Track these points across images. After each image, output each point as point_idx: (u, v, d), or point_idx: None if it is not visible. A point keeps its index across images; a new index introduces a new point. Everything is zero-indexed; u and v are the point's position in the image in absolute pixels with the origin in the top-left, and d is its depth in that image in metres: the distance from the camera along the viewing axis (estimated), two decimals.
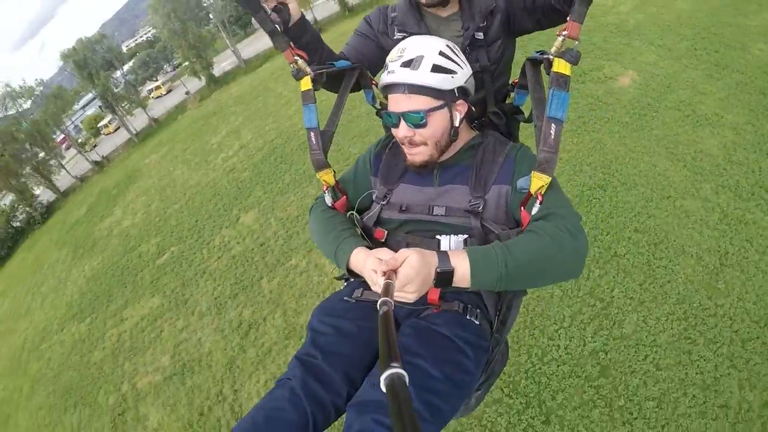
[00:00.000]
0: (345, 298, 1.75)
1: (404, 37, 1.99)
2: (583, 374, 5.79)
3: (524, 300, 4.95)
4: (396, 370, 0.70)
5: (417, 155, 1.66)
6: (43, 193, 31.85)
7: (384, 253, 1.43)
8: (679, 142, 8.64)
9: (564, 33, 1.49)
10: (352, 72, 1.99)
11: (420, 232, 1.70)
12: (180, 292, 12.08)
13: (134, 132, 31.46)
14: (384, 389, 0.69)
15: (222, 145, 19.66)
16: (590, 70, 11.69)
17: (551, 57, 1.51)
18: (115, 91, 32.14)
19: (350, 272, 1.66)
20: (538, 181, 1.45)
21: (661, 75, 10.84)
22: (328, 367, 1.46)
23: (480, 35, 2.05)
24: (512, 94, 2.15)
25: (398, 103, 1.59)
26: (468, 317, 1.63)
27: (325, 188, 1.81)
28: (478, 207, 1.60)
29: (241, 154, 17.46)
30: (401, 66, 1.56)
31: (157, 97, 35.36)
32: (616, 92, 10.69)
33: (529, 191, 1.49)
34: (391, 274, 1.22)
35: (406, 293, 1.30)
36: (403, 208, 1.71)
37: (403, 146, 1.69)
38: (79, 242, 20.75)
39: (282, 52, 1.73)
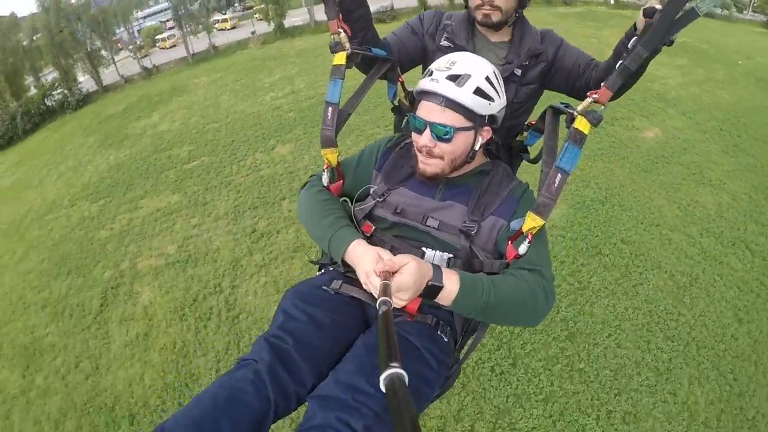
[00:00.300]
0: (323, 287, 1.71)
1: (449, 46, 2.08)
2: (552, 335, 6.69)
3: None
4: (396, 370, 0.70)
5: (430, 166, 1.65)
6: (85, 82, 32.35)
7: (385, 252, 1.43)
8: (679, 190, 9.94)
9: (594, 96, 1.55)
10: (385, 63, 1.98)
11: (407, 239, 1.71)
12: (201, 195, 12.52)
13: (191, 52, 31.95)
14: (384, 389, 0.69)
15: (273, 85, 20.13)
16: (621, 118, 13.03)
17: (575, 113, 1.55)
18: (189, 7, 32.82)
19: (342, 263, 1.66)
20: (531, 222, 1.48)
21: (682, 138, 12.30)
22: (298, 356, 1.44)
23: (518, 72, 2.12)
24: (525, 134, 2.20)
25: (431, 112, 1.58)
26: (439, 332, 1.66)
27: (325, 167, 1.78)
28: (472, 230, 1.62)
29: (290, 97, 17.93)
30: (447, 78, 1.55)
31: (221, 30, 35.92)
32: (638, 140, 12.06)
33: (521, 229, 1.51)
34: (388, 275, 1.23)
35: (399, 299, 1.30)
36: (398, 211, 1.70)
37: (419, 153, 1.67)
38: (109, 134, 21.21)
39: (328, 21, 1.73)
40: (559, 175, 1.47)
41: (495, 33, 2.12)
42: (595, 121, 1.51)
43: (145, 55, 34.02)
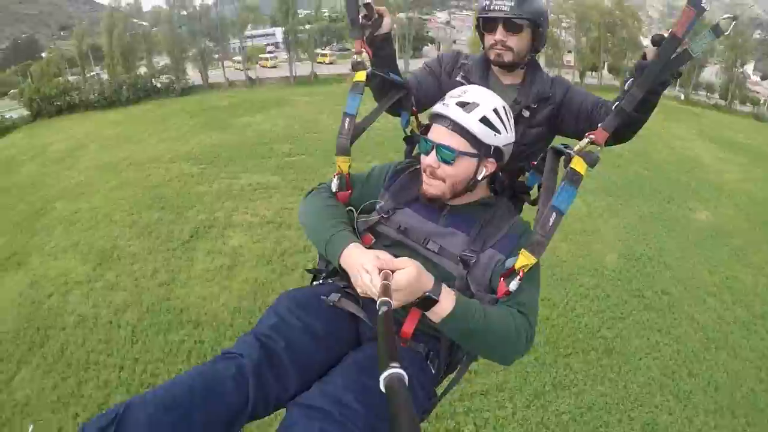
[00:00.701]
0: (322, 297, 1.69)
1: (463, 83, 2.13)
2: (592, 345, 8.35)
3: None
4: (396, 370, 0.70)
5: (431, 187, 1.67)
6: (191, 76, 36.14)
7: (384, 254, 1.41)
8: (721, 264, 11.63)
9: (591, 137, 1.55)
10: (400, 90, 2.05)
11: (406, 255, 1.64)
12: (299, 181, 14.43)
13: (294, 74, 35.79)
14: (384, 389, 0.69)
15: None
16: (677, 198, 15.54)
17: (572, 153, 1.56)
18: (299, 36, 37.11)
19: (337, 269, 1.69)
20: (524, 259, 1.48)
21: (731, 225, 14.20)
22: (287, 360, 1.41)
23: (526, 114, 2.14)
24: (527, 174, 2.19)
25: (439, 134, 1.62)
26: (428, 362, 1.67)
27: (336, 174, 1.79)
28: (471, 260, 1.62)
29: (383, 124, 20.05)
30: (456, 104, 1.60)
31: (319, 62, 39.66)
32: (690, 219, 14.26)
33: (513, 266, 1.51)
34: (388, 274, 1.22)
35: (396, 301, 1.25)
36: (401, 230, 1.71)
37: (423, 173, 1.70)
38: (212, 120, 23.79)
39: (354, 40, 1.84)
40: (554, 214, 1.48)
41: (508, 75, 2.19)
42: (591, 162, 1.52)
43: (248, 68, 37.72)
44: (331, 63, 40.58)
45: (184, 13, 36.42)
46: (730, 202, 16.13)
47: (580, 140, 1.91)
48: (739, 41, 41.54)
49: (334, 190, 1.81)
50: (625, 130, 1.85)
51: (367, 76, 1.82)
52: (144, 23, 39.60)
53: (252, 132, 20.66)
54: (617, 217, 13.60)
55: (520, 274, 1.50)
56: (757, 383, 8.06)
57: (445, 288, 1.38)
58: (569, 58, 46.50)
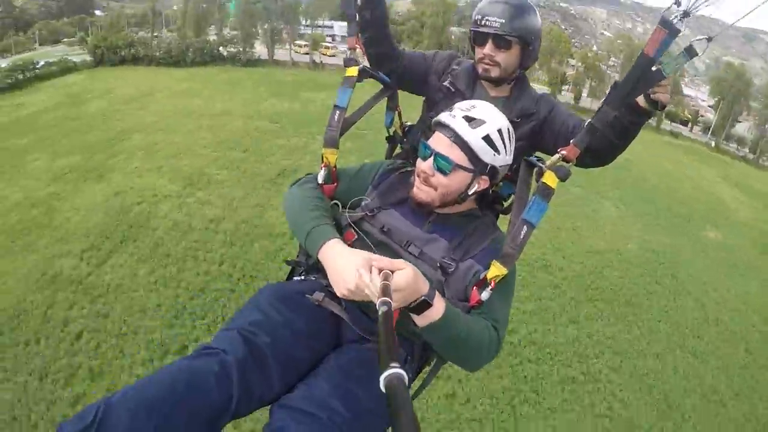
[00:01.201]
0: (306, 294, 1.66)
1: (449, 89, 2.16)
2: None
3: None
4: (396, 370, 0.69)
5: (422, 192, 1.64)
6: (258, 50, 37.10)
7: (375, 256, 1.37)
8: (720, 265, 14.25)
9: (563, 152, 1.56)
10: (387, 89, 2.11)
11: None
12: (369, 149, 14.76)
13: None
14: (384, 389, 0.68)
15: None
16: (695, 219, 18.27)
17: (544, 168, 1.58)
18: None
19: (314, 265, 1.74)
20: (495, 270, 1.49)
21: (740, 245, 17.00)
22: (272, 357, 1.36)
23: None
24: (500, 183, 2.19)
25: (439, 143, 1.59)
26: (406, 367, 1.66)
27: (323, 165, 1.76)
28: (450, 267, 1.60)
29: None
30: (463, 117, 1.59)
31: (323, 54, 41.45)
32: (702, 238, 16.47)
33: (485, 276, 1.51)
34: (388, 275, 1.18)
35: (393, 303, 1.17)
36: (385, 230, 1.68)
37: (417, 177, 1.67)
38: (280, 91, 24.53)
39: (348, 37, 1.87)
40: (525, 227, 1.50)
41: (495, 88, 2.16)
42: (563, 176, 1.53)
43: (313, 52, 38.71)
44: (333, 56, 41.44)
45: None
46: (739, 231, 19.28)
47: None
48: None
49: (320, 182, 1.75)
50: (604, 153, 1.89)
51: (359, 72, 1.83)
52: None
53: (317, 106, 21.37)
54: (641, 223, 16.19)
55: (492, 284, 1.49)
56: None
57: (437, 294, 1.35)
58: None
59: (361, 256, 1.34)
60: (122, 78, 28.28)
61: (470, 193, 1.64)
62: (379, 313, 0.96)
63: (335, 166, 1.80)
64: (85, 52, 35.40)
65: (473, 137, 1.55)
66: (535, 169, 1.63)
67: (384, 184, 1.80)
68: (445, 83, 2.18)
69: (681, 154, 33.72)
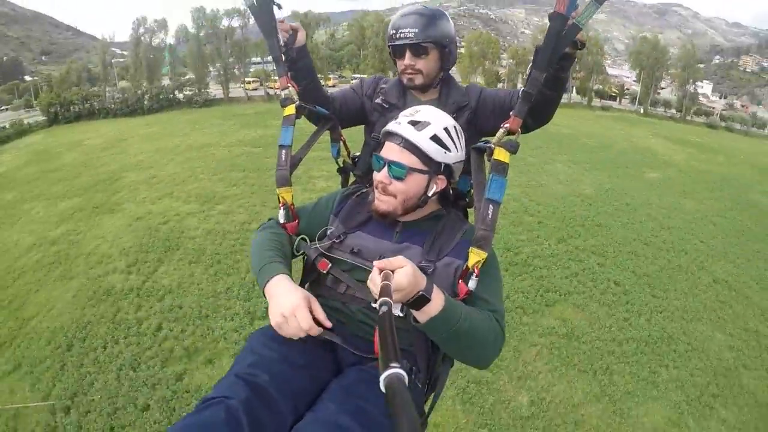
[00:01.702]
0: None
1: (384, 105, 2.23)
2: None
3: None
4: (396, 370, 0.69)
5: (383, 203, 1.65)
6: (212, 90, 37.96)
7: (315, 302, 1.46)
8: (662, 192, 18.57)
9: (506, 126, 1.60)
10: (327, 121, 2.09)
11: (362, 278, 1.63)
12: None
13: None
14: (384, 389, 0.68)
15: None
16: (633, 166, 23.20)
17: (492, 146, 1.62)
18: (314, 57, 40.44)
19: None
20: (475, 257, 1.51)
21: (677, 179, 21.51)
22: (276, 393, 1.34)
23: None
24: (457, 179, 2.13)
25: (390, 151, 1.61)
26: (414, 379, 1.64)
27: (281, 204, 1.79)
28: (428, 269, 1.60)
29: None
30: (408, 122, 1.62)
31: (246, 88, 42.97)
32: (643, 178, 20.92)
33: (467, 265, 1.54)
34: (388, 275, 1.21)
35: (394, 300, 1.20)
36: (355, 251, 1.68)
37: (375, 189, 1.68)
38: (247, 122, 25.43)
39: (279, 78, 1.89)
40: (490, 206, 1.52)
41: (423, 94, 2.25)
42: (512, 148, 1.58)
43: (268, 86, 40.07)
44: (333, 86, 43.58)
45: (211, 32, 38.57)
46: (674, 171, 23.51)
47: None
48: (690, 62, 48.54)
49: (281, 221, 1.81)
50: (541, 110, 1.93)
51: (296, 109, 1.86)
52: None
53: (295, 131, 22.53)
54: (590, 173, 20.02)
55: (476, 271, 1.52)
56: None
57: (435, 287, 1.35)
58: None
59: (298, 295, 1.41)
60: (85, 132, 28.38)
61: (430, 194, 1.67)
62: (379, 313, 0.96)
63: (293, 204, 1.83)
64: (30, 115, 35.69)
65: (421, 139, 1.59)
66: (486, 151, 1.69)
67: (344, 210, 1.83)
68: (378, 101, 2.26)
69: (613, 122, 39.08)
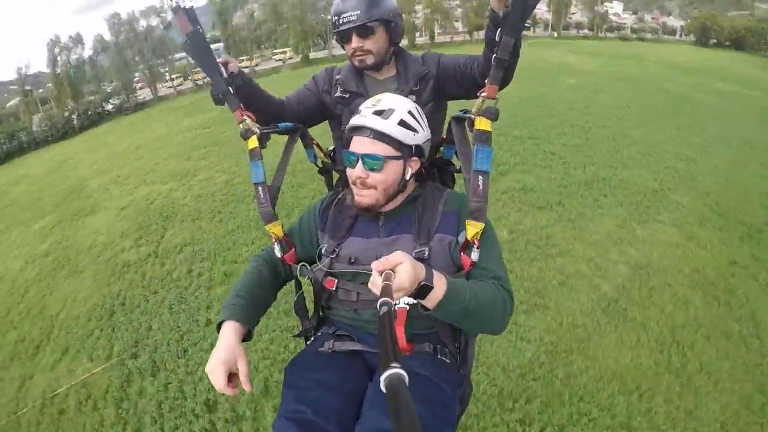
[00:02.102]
0: (319, 350, 1.74)
1: (344, 96, 2.24)
2: None
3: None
4: (396, 370, 0.70)
5: (365, 197, 1.68)
6: (140, 93, 37.06)
7: (242, 363, 1.46)
8: (580, 92, 20.06)
9: (483, 94, 1.61)
10: (296, 132, 2.08)
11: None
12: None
13: None
14: (384, 389, 0.69)
15: None
16: (554, 77, 24.84)
17: (472, 116, 1.62)
18: (236, 39, 39.60)
19: (321, 320, 1.94)
20: (472, 229, 1.53)
21: (593, 82, 23.33)
22: (323, 422, 1.41)
23: (413, 98, 2.14)
24: (441, 149, 2.27)
25: (361, 145, 1.63)
26: (440, 356, 1.71)
27: (274, 240, 1.81)
28: (424, 254, 1.63)
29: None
30: (373, 114, 1.63)
31: (245, 68, 42.38)
32: (563, 84, 22.95)
33: (466, 238, 1.57)
34: (389, 275, 1.21)
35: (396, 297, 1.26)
36: (352, 261, 1.72)
37: (353, 186, 1.71)
38: (189, 111, 25.27)
39: (233, 112, 1.87)
40: (480, 177, 1.53)
41: (379, 72, 2.24)
42: (492, 116, 1.57)
43: (196, 80, 39.35)
44: (257, 65, 44.69)
45: (131, 35, 37.52)
46: (590, 75, 26.23)
47: (466, 98, 2.18)
48: None
49: (279, 256, 1.81)
50: (505, 75, 1.90)
51: (259, 139, 1.84)
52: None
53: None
54: (514, 89, 20.84)
55: (476, 243, 1.55)
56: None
57: (435, 272, 1.36)
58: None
59: (220, 357, 1.42)
60: (21, 167, 27.32)
61: (408, 177, 1.71)
62: (380, 313, 0.99)
63: (285, 234, 1.85)
64: None
65: (389, 126, 1.61)
66: (466, 121, 1.70)
67: (329, 223, 1.86)
68: (338, 94, 2.25)
69: (528, 48, 44.32)
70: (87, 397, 5.55)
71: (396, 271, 1.24)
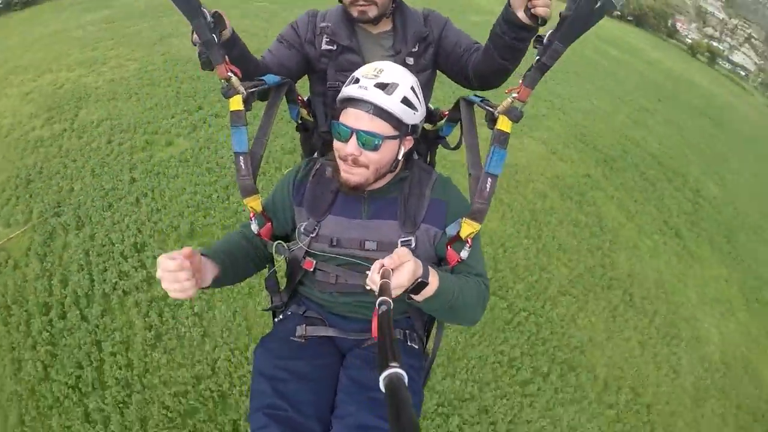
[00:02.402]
0: (291, 338, 1.71)
1: (332, 49, 1.97)
2: None
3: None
4: (395, 369, 0.70)
5: (354, 176, 1.58)
6: None
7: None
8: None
9: (514, 95, 1.48)
10: (281, 87, 1.83)
11: (352, 266, 1.68)
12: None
13: None
14: (383, 389, 0.68)
15: None
16: (455, 11, 24.32)
17: (496, 113, 1.53)
18: None
19: (291, 297, 1.91)
20: (468, 228, 1.49)
21: None
22: (301, 418, 1.42)
23: (410, 60, 1.99)
24: (440, 123, 2.15)
25: (358, 119, 1.50)
26: (409, 343, 1.73)
27: (252, 216, 1.68)
28: (410, 244, 1.59)
29: None
30: (375, 86, 1.49)
31: None
32: (468, 21, 23.77)
33: (458, 235, 1.53)
34: (388, 272, 1.19)
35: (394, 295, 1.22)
36: (334, 243, 1.66)
37: (342, 162, 1.59)
38: (83, 8, 23.04)
39: (216, 66, 1.52)
40: (489, 179, 1.45)
41: (375, 26, 2.02)
42: (516, 118, 1.49)
43: None
44: None
45: None
46: (493, 15, 25.07)
47: (453, 79, 2.09)
48: None
49: (255, 231, 1.71)
50: (496, 77, 1.88)
51: (245, 100, 1.58)
52: None
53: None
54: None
55: (469, 242, 1.53)
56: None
57: (429, 268, 1.36)
58: None
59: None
60: None
61: (400, 158, 1.63)
62: (379, 312, 0.98)
63: (263, 209, 1.70)
64: None
65: (393, 104, 1.49)
66: (486, 114, 1.61)
67: (307, 196, 1.74)
68: (325, 46, 1.99)
69: None
70: (6, 259, 5.66)
71: (398, 269, 1.22)
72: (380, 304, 1.01)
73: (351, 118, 1.53)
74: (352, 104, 1.54)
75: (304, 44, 2.06)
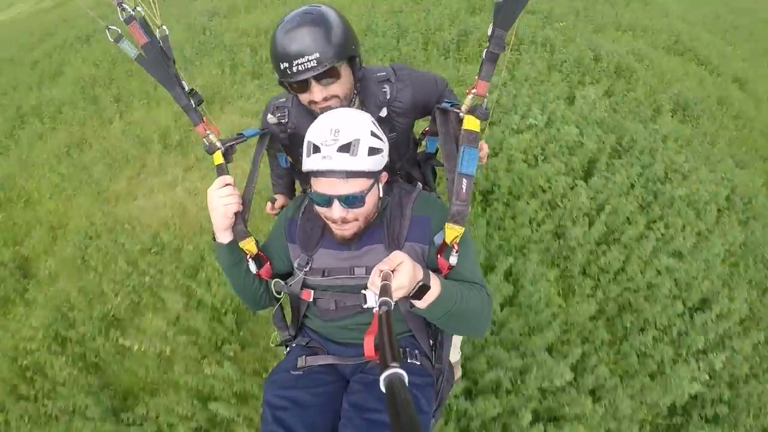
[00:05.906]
0: (291, 372, 1.70)
1: (295, 133, 1.89)
2: None
3: None
4: (395, 370, 0.68)
5: (348, 230, 1.57)
6: None
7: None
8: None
9: (473, 91, 1.45)
10: (262, 138, 1.89)
11: (347, 292, 1.69)
12: None
13: None
14: (384, 389, 0.66)
15: None
16: None
17: (461, 114, 1.49)
18: None
19: (298, 331, 1.89)
20: (452, 232, 1.45)
21: None
22: None
23: (386, 129, 1.82)
24: (424, 142, 2.11)
25: (334, 186, 1.45)
26: (409, 360, 1.67)
27: (248, 257, 1.71)
28: None
29: None
30: (338, 151, 1.40)
31: None
32: None
33: (444, 242, 1.50)
34: (388, 275, 1.18)
35: (395, 297, 1.22)
36: (326, 273, 1.67)
37: (332, 224, 1.58)
38: None
39: (195, 127, 1.68)
40: (464, 180, 1.43)
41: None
42: (483, 116, 1.45)
43: None
44: None
45: None
46: None
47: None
48: None
49: (254, 272, 1.73)
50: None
51: (224, 154, 1.68)
52: None
53: None
54: None
55: (455, 247, 1.48)
56: None
57: (430, 273, 1.35)
58: None
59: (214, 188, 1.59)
60: None
61: (382, 195, 1.61)
62: (379, 313, 0.96)
63: (260, 250, 1.73)
64: None
65: (362, 162, 1.42)
66: (451, 116, 1.58)
67: (299, 232, 1.75)
68: (289, 132, 1.90)
69: None
70: None
71: (397, 270, 1.22)
72: (381, 305, 1.00)
73: (325, 186, 1.47)
74: (323, 174, 1.46)
75: (279, 135, 1.96)
